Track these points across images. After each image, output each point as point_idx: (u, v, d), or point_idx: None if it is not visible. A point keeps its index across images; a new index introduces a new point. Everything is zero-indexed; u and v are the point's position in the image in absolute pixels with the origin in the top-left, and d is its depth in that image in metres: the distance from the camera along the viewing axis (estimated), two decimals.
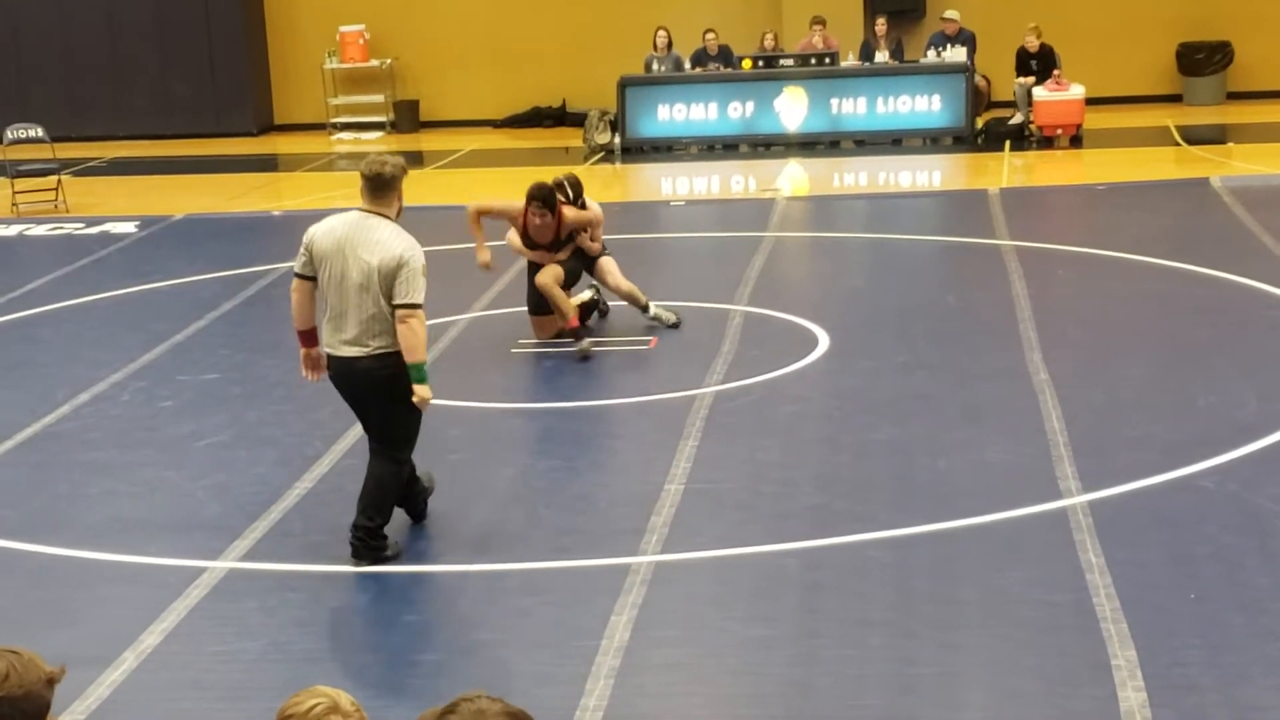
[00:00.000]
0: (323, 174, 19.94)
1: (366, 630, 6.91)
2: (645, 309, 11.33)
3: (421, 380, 7.20)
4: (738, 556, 7.35)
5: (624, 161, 19.87)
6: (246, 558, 7.53)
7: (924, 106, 19.79)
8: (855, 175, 18.54)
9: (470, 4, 22.93)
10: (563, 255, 11.07)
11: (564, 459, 8.93)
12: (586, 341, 10.73)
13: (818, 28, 20.48)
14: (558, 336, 11.03)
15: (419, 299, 7.14)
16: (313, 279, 7.30)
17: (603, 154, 20.12)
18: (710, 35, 20.59)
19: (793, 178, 18.29)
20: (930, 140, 19.91)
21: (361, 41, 22.97)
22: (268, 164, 21.38)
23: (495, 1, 22.89)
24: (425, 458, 8.89)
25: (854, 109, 19.88)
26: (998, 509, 7.72)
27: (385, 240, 7.13)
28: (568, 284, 11.06)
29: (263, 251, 14.69)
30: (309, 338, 7.53)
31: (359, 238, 7.15)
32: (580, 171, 19.16)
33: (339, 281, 7.16)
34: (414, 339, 7.13)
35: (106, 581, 7.39)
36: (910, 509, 7.79)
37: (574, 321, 10.85)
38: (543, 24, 22.78)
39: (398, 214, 7.29)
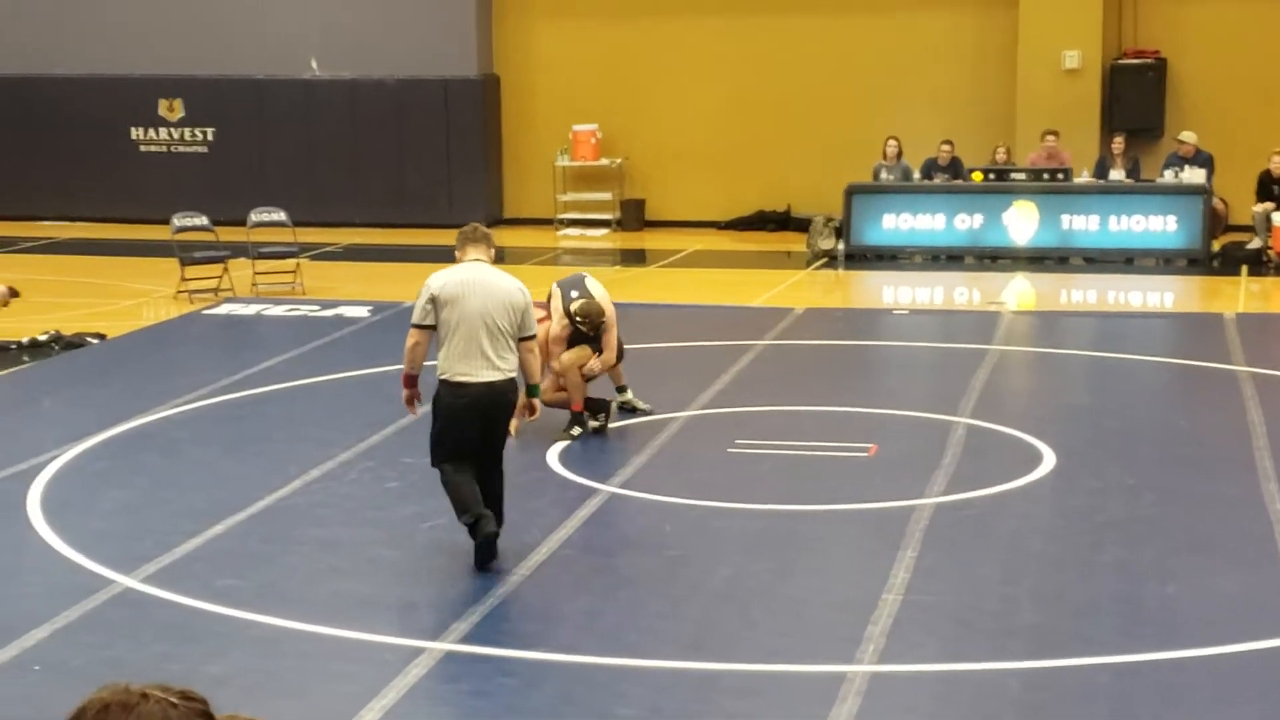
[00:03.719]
0: (548, 268, 20.19)
1: None
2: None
3: (539, 395, 9.10)
4: (957, 672, 7.21)
5: (847, 268, 19.87)
6: (464, 640, 7.62)
7: (1159, 226, 19.42)
8: (1084, 292, 18.23)
9: (701, 107, 23.24)
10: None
11: (779, 561, 8.87)
12: (577, 430, 11.28)
13: (1050, 138, 20.31)
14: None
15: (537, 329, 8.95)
16: (432, 328, 8.52)
17: (826, 259, 20.14)
18: (946, 146, 20.56)
19: (1019, 292, 18.07)
20: (1164, 261, 19.50)
21: (594, 140, 23.42)
22: (496, 256, 21.81)
23: (725, 105, 23.17)
24: (641, 553, 8.96)
25: (1086, 225, 19.60)
26: (1229, 640, 7.45)
27: (510, 284, 8.69)
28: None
29: None
30: (416, 381, 8.78)
31: (489, 285, 8.59)
32: (802, 276, 19.28)
33: (474, 318, 8.44)
34: (537, 363, 9.00)
35: (330, 656, 7.55)
36: (1137, 634, 7.57)
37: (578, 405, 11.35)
38: (772, 129, 22.98)
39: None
